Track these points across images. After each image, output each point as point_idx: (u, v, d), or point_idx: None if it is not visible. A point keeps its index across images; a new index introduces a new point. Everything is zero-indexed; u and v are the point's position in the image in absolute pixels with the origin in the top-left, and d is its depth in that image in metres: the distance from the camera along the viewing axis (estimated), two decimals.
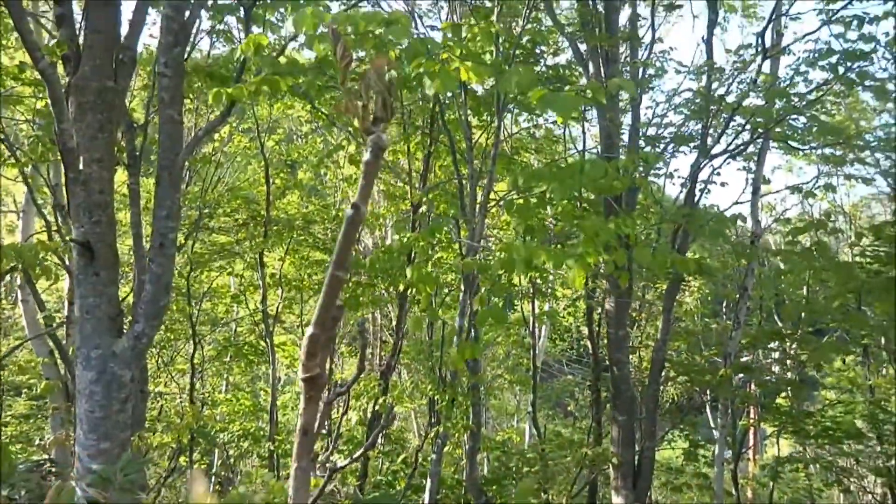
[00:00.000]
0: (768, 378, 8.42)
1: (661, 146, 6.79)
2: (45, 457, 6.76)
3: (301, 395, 0.93)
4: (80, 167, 4.05)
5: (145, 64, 7.16)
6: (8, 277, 8.00)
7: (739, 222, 5.41)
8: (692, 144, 6.70)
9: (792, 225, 4.91)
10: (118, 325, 4.28)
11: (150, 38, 13.22)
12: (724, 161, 6.76)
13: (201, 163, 9.31)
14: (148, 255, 4.40)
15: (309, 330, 0.93)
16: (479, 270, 3.12)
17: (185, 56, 4.88)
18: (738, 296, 6.66)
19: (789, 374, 9.15)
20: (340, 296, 0.99)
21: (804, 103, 5.26)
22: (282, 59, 3.62)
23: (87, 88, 4.03)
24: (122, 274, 8.53)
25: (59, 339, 6.71)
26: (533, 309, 11.00)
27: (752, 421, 8.25)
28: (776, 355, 10.24)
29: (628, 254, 3.26)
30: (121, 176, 7.59)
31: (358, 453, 3.93)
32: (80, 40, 4.20)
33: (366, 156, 0.93)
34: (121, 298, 5.46)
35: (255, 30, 4.66)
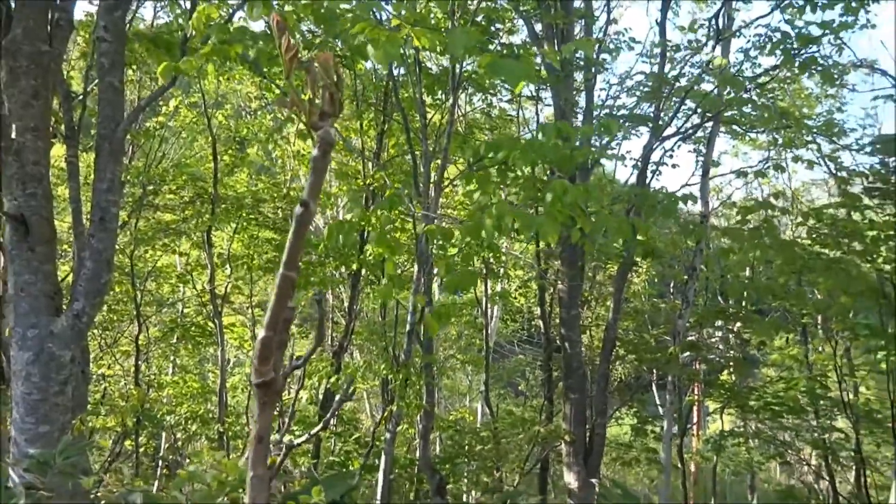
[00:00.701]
0: (713, 356, 8.66)
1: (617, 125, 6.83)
2: None
3: (256, 401, 0.87)
4: (13, 136, 3.84)
5: (85, 30, 6.83)
6: None
7: (690, 203, 5.50)
8: (646, 125, 6.77)
9: (740, 205, 5.02)
10: (56, 304, 4.10)
11: (90, 3, 12.65)
12: (676, 143, 6.87)
13: (145, 137, 8.97)
14: (88, 231, 4.21)
15: (260, 333, 0.89)
16: (442, 238, 3.08)
17: (127, 21, 4.66)
18: (686, 276, 6.79)
19: (732, 353, 9.43)
20: (292, 296, 0.93)
21: (753, 87, 5.36)
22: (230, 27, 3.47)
23: (19, 52, 3.81)
24: (62, 252, 8.19)
25: None
26: (486, 289, 11.03)
27: (697, 397, 8.49)
28: (720, 334, 10.56)
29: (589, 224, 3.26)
30: (59, 150, 7.25)
31: (315, 429, 3.87)
32: (12, 1, 3.97)
33: (314, 152, 0.88)
34: (60, 278, 5.23)
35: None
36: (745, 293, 7.42)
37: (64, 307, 4.18)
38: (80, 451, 2.85)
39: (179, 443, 11.13)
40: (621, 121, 6.79)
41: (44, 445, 4.05)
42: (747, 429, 9.60)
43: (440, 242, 5.27)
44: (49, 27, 3.98)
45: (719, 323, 9.66)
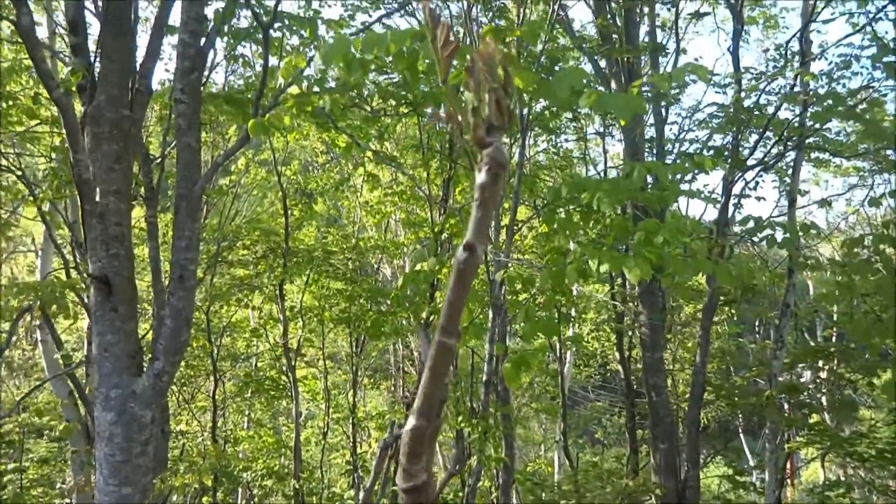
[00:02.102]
0: (810, 399, 8.06)
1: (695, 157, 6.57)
2: (67, 501, 6.57)
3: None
4: (97, 199, 3.92)
5: (161, 96, 7.11)
6: (28, 317, 7.90)
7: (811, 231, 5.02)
8: (724, 157, 6.48)
9: (845, 238, 4.63)
10: (137, 363, 4.11)
11: (165, 71, 13.31)
12: (758, 174, 6.53)
13: (218, 195, 9.22)
14: (167, 290, 4.24)
15: (410, 421, 0.70)
16: (524, 283, 2.91)
17: (202, 83, 4.78)
18: (779, 313, 6.37)
19: (824, 395, 8.76)
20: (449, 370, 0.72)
21: (843, 108, 5.04)
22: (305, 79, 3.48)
23: (102, 118, 3.92)
24: (142, 311, 8.40)
25: (79, 380, 6.55)
26: (559, 334, 10.71)
27: (797, 444, 7.89)
28: (808, 373, 9.87)
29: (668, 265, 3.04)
30: (138, 211, 7.50)
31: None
32: (96, 70, 4.11)
33: (480, 177, 0.66)
34: (140, 336, 5.30)
35: (272, 59, 4.55)
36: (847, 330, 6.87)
37: (144, 365, 4.20)
38: None
39: (256, 499, 11.09)
40: (699, 152, 6.52)
41: None
42: (852, 478, 8.84)
43: (517, 288, 5.09)
44: (130, 94, 4.10)
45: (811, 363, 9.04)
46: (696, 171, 5.75)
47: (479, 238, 0.64)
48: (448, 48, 0.70)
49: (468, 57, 0.69)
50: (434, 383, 0.64)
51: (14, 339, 9.03)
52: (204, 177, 4.29)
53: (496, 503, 7.98)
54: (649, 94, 6.95)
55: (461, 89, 0.70)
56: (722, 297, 6.89)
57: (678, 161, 6.32)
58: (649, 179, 4.79)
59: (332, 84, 3.63)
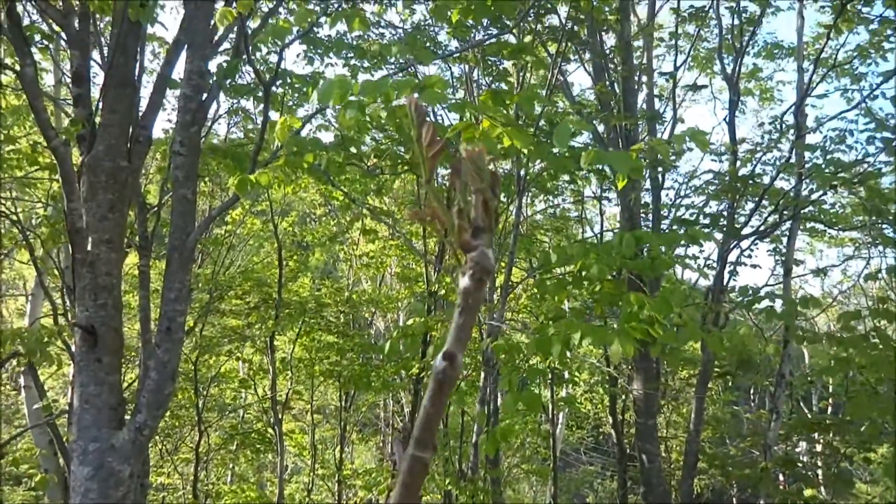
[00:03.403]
0: (806, 471, 7.89)
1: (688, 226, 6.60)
2: None
3: None
4: (88, 248, 3.90)
5: (163, 145, 7.17)
6: (14, 362, 7.77)
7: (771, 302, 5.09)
8: (720, 225, 6.52)
9: (842, 313, 4.63)
10: (119, 416, 4.01)
11: (167, 122, 13.50)
12: (753, 242, 6.56)
13: (213, 245, 9.21)
14: (155, 341, 4.18)
15: None
16: (510, 351, 2.87)
17: (202, 136, 4.82)
18: (775, 382, 6.29)
19: (819, 468, 8.59)
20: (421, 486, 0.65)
21: (843, 176, 5.11)
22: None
23: (99, 168, 3.93)
24: (128, 360, 8.27)
25: (58, 430, 6.39)
26: (552, 395, 10.58)
27: None
28: (804, 445, 9.69)
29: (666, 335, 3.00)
30: (132, 258, 7.47)
31: None
32: (97, 120, 4.15)
33: (464, 281, 0.63)
34: (125, 385, 5.19)
35: (273, 114, 4.62)
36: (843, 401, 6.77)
37: (127, 417, 4.10)
38: None
39: None
40: (695, 218, 6.56)
41: None
42: None
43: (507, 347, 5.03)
44: (129, 144, 4.13)
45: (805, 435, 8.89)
46: (695, 243, 5.78)
47: (460, 346, 0.60)
48: (433, 147, 0.68)
49: (457, 155, 0.67)
50: (406, 498, 0.59)
51: None
52: (198, 229, 4.29)
53: None
54: (646, 159, 7.04)
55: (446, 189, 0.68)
56: (717, 368, 6.83)
57: (673, 228, 6.35)
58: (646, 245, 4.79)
59: (330, 140, 3.67)
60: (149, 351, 4.28)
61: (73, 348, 5.92)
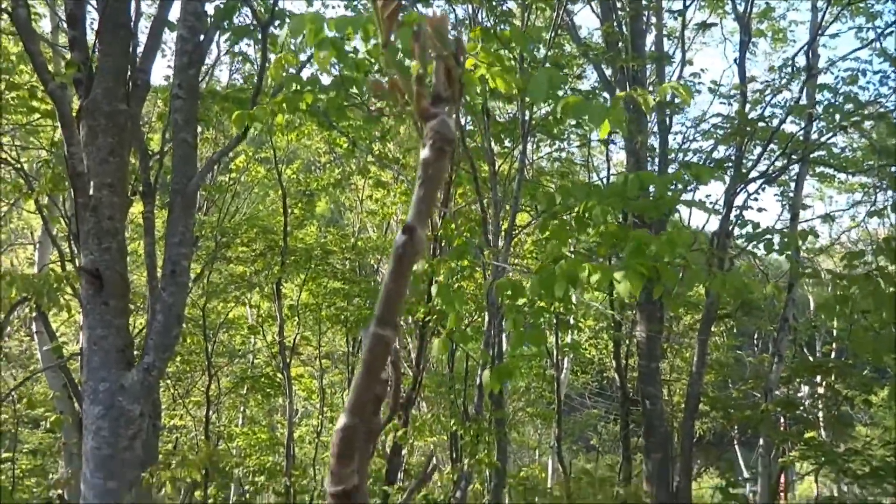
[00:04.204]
0: (806, 414, 8.01)
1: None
2: (58, 493, 6.53)
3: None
4: (90, 192, 3.90)
5: (164, 92, 7.10)
6: (26, 309, 7.89)
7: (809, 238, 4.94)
8: (727, 169, 6.45)
9: (845, 251, 4.59)
10: (128, 358, 4.09)
11: (167, 68, 13.32)
12: (760, 186, 6.50)
13: (218, 192, 9.20)
14: (160, 285, 4.23)
15: (341, 420, 0.62)
16: (512, 292, 2.89)
17: (201, 79, 4.77)
18: (777, 328, 6.32)
19: (820, 411, 8.70)
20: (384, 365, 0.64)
21: (847, 124, 5.00)
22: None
23: (97, 111, 3.90)
24: (137, 308, 8.38)
25: (71, 373, 6.54)
26: (557, 340, 10.68)
27: (791, 458, 7.82)
28: (807, 389, 9.80)
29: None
30: (137, 207, 7.49)
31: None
32: (94, 64, 4.10)
33: (424, 152, 0.60)
34: (136, 332, 5.26)
35: (272, 57, 4.54)
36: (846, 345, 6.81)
37: (135, 360, 4.17)
38: None
39: (248, 495, 11.06)
40: (702, 163, 6.49)
41: (112, 502, 3.99)
42: (845, 494, 8.78)
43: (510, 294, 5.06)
44: (127, 88, 4.09)
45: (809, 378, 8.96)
46: (694, 185, 5.72)
47: (421, 220, 0.58)
48: (389, 6, 0.64)
49: (416, 24, 0.64)
50: (368, 379, 0.59)
51: (8, 329, 9.03)
52: (200, 173, 4.28)
53: None
54: (655, 101, 6.92)
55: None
56: (720, 311, 6.85)
57: (679, 171, 6.29)
58: (651, 188, 4.75)
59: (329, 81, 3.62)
60: (156, 296, 4.33)
61: (80, 294, 6.01)
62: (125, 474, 4.02)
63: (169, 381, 10.66)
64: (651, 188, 3.75)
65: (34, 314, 7.56)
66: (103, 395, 3.93)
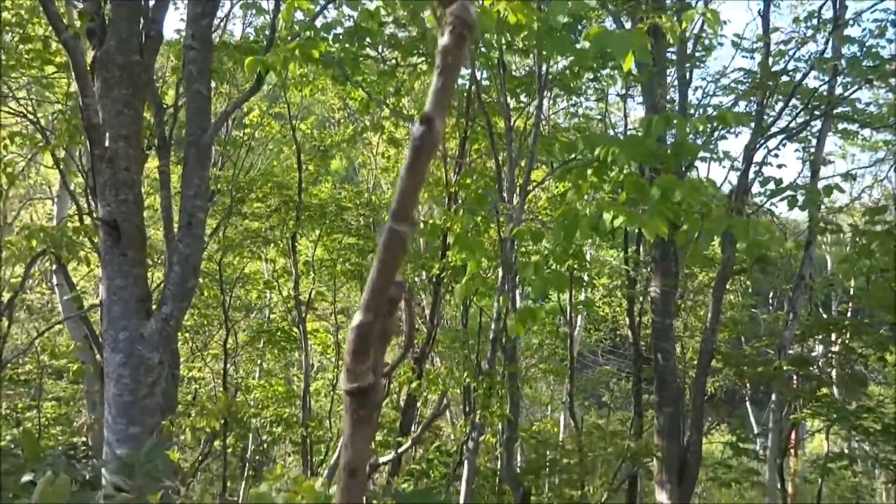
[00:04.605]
0: (820, 373, 8.01)
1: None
2: (82, 439, 6.72)
3: (346, 416, 0.58)
4: (106, 144, 3.92)
5: (177, 45, 7.04)
6: (46, 262, 8.02)
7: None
8: (748, 123, 6.33)
9: (866, 208, 4.51)
10: (146, 309, 4.16)
11: (181, 21, 13.20)
12: (781, 141, 6.38)
13: (233, 146, 9.20)
14: (176, 237, 4.27)
15: (356, 318, 0.61)
16: (532, 238, 2.87)
17: (214, 31, 4.72)
18: (793, 285, 6.27)
19: (833, 369, 8.69)
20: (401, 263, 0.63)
21: (873, 77, 4.86)
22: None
23: (111, 63, 3.89)
24: (154, 262, 8.48)
25: (91, 323, 6.67)
26: (570, 297, 10.71)
27: (803, 415, 7.87)
28: (821, 348, 9.79)
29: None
30: (153, 161, 7.51)
31: (403, 447, 3.71)
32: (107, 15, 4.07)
33: (443, 40, 0.57)
34: (154, 286, 5.33)
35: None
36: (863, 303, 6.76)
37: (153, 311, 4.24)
38: (162, 452, 2.82)
39: (265, 445, 11.34)
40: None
41: (134, 447, 4.10)
42: (856, 451, 8.84)
43: (526, 246, 5.06)
44: (140, 39, 4.06)
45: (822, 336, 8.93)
46: (717, 131, 5.59)
47: (439, 110, 0.56)
48: None
49: None
50: (384, 275, 0.58)
51: (29, 282, 9.19)
52: (214, 125, 4.27)
53: (500, 458, 8.08)
54: (674, 56, 6.78)
55: None
56: (736, 266, 6.79)
57: (704, 116, 6.15)
58: (668, 139, 4.68)
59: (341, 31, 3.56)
60: (173, 249, 4.38)
61: (98, 246, 6.08)
62: (146, 420, 4.13)
63: (187, 335, 10.85)
64: (669, 140, 3.69)
65: (54, 267, 7.69)
66: (123, 343, 4.02)
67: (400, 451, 3.45)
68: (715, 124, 3.41)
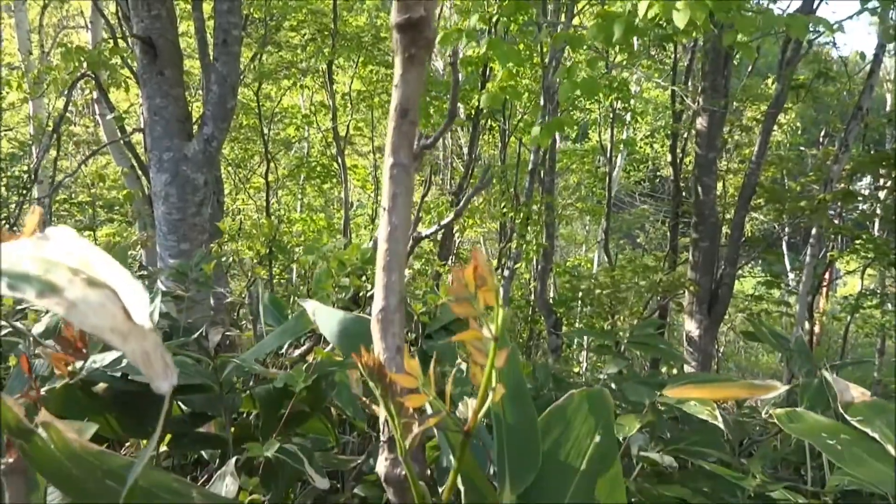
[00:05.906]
0: (865, 210, 7.85)
1: None
2: (139, 253, 7.03)
3: (398, 56, 0.56)
4: None
5: None
6: (87, 90, 8.05)
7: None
8: None
9: None
10: (187, 130, 4.19)
11: None
12: None
13: None
14: (213, 56, 4.20)
15: None
16: (570, 43, 2.74)
17: None
18: (849, 117, 5.96)
19: (879, 207, 8.48)
20: None
21: None
22: None
23: None
24: (191, 86, 8.44)
25: (135, 148, 6.80)
26: (612, 135, 10.48)
27: (839, 254, 7.83)
28: (867, 181, 9.51)
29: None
30: None
31: (446, 220, 3.81)
32: None
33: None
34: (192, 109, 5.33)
35: None
36: None
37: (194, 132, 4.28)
38: (211, 260, 2.96)
39: (309, 275, 11.86)
40: None
41: (185, 261, 4.33)
42: (889, 288, 8.85)
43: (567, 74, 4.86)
44: None
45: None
46: None
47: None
48: None
49: None
50: (403, 209, 0.55)
51: (73, 111, 9.29)
52: None
53: (534, 291, 8.36)
54: None
55: None
56: (794, 80, 6.35)
57: None
58: None
59: None
60: (209, 72, 4.32)
61: (134, 69, 6.04)
62: (196, 237, 4.32)
63: (229, 168, 11.04)
64: None
65: (95, 95, 7.72)
66: (168, 163, 4.10)
67: (443, 223, 3.55)
68: None
